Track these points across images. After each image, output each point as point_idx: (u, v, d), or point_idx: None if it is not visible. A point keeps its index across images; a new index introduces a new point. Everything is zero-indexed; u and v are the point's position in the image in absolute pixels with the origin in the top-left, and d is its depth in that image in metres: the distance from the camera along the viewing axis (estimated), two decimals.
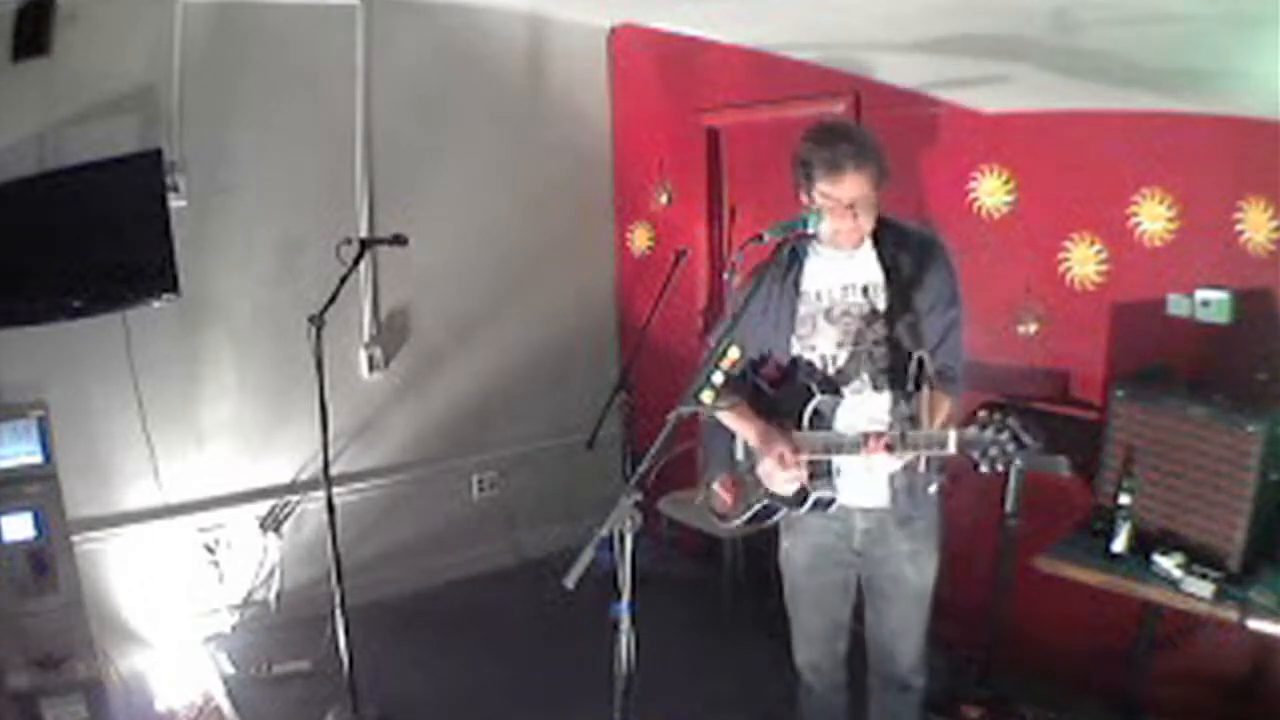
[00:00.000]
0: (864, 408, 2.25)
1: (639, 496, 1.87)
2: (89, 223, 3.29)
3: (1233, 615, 2.32)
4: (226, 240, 3.78)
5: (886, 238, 2.29)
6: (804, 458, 2.22)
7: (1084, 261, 3.09)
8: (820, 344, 2.32)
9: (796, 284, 2.35)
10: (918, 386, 2.12)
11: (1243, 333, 2.71)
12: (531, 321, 4.59)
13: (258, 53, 3.75)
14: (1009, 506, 2.98)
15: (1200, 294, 2.77)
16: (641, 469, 1.89)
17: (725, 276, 4.30)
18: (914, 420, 2.10)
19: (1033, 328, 3.21)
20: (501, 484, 4.62)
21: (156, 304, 3.50)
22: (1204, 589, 2.37)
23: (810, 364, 2.33)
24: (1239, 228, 2.72)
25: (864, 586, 2.47)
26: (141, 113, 3.54)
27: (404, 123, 4.13)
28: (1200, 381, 2.69)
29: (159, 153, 3.43)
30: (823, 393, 2.26)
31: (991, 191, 3.29)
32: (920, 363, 2.13)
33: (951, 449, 1.98)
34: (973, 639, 3.20)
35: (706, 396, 1.92)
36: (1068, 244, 3.11)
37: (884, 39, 2.96)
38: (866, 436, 2.10)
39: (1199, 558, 2.46)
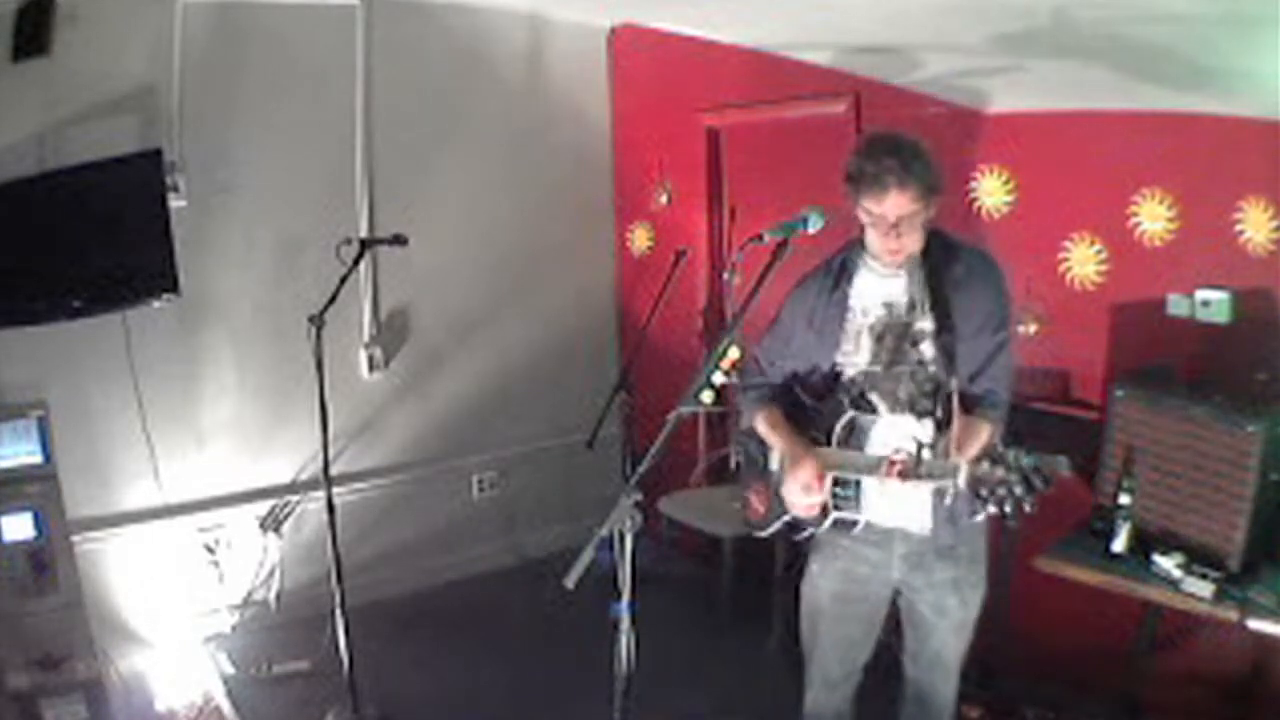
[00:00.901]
0: (901, 429, 2.16)
1: (639, 496, 1.86)
2: (89, 223, 3.29)
3: (1233, 615, 2.32)
4: (226, 240, 3.78)
5: (936, 254, 2.20)
6: (827, 482, 2.18)
7: (1084, 261, 3.09)
8: (862, 361, 2.25)
9: (845, 297, 2.27)
10: (948, 413, 2.05)
11: (1243, 333, 2.71)
12: (531, 321, 4.59)
13: (258, 53, 3.75)
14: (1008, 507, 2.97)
15: (1200, 294, 2.77)
16: (641, 469, 1.88)
17: (725, 276, 4.32)
18: (934, 448, 2.01)
19: (1033, 328, 3.21)
20: (501, 484, 4.62)
21: (156, 304, 3.50)
22: (1204, 589, 2.37)
23: (851, 380, 2.26)
24: (1239, 228, 2.72)
25: (903, 614, 2.38)
26: (141, 113, 3.54)
27: (404, 122, 4.13)
28: (1200, 381, 2.69)
29: (159, 153, 3.43)
30: (858, 410, 2.20)
31: (991, 191, 3.29)
32: (949, 391, 2.06)
33: (962, 484, 1.90)
34: (973, 639, 3.19)
35: (706, 396, 1.92)
36: (1068, 244, 3.11)
37: (884, 39, 2.96)
38: (883, 461, 2.04)
39: (1199, 558, 2.46)
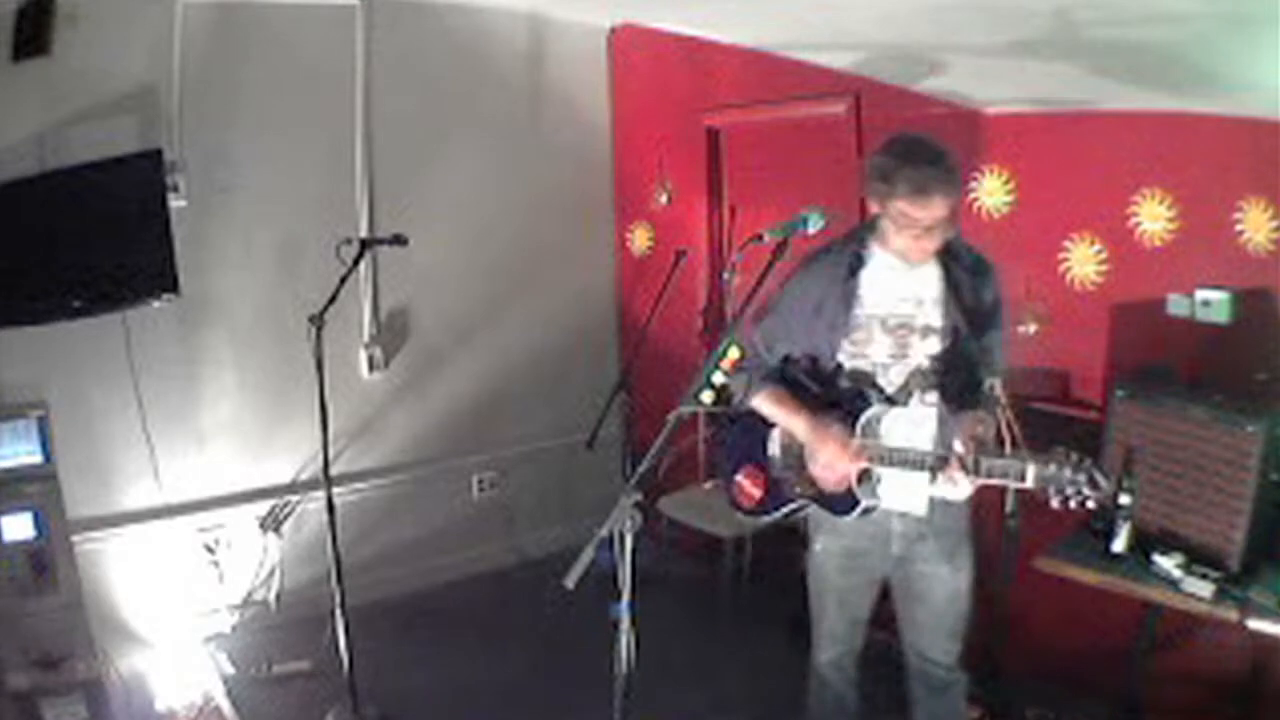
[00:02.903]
0: (910, 421, 2.21)
1: (639, 496, 1.87)
2: (89, 223, 3.29)
3: (1233, 615, 2.32)
4: (226, 240, 3.78)
5: (948, 253, 2.26)
6: (855, 445, 2.20)
7: (1084, 261, 3.09)
8: (873, 353, 2.29)
9: (856, 288, 2.30)
10: (970, 406, 2.13)
11: (1243, 333, 2.71)
12: (531, 321, 4.59)
13: (258, 53, 3.75)
14: (1009, 507, 2.97)
15: (1200, 294, 2.77)
16: (641, 469, 1.89)
17: (725, 276, 4.32)
18: (983, 445, 2.07)
19: (1033, 328, 3.21)
20: (501, 484, 4.62)
21: (156, 304, 3.50)
22: (1204, 589, 2.37)
23: (864, 372, 2.30)
24: (1239, 228, 2.72)
25: (897, 591, 2.45)
26: (141, 113, 3.54)
27: (404, 122, 4.13)
28: (1200, 381, 2.69)
29: (159, 153, 3.43)
30: (877, 402, 2.24)
31: (991, 191, 3.29)
32: (991, 389, 2.12)
33: (1029, 483, 1.98)
34: (973, 639, 3.19)
35: (706, 397, 1.92)
36: (1068, 244, 3.11)
37: (884, 39, 2.96)
38: (944, 458, 2.08)
39: (1199, 558, 2.47)
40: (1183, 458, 2.55)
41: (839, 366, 2.33)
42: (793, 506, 2.43)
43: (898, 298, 2.28)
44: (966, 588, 2.40)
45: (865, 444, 2.21)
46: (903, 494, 2.26)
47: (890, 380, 2.28)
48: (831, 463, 2.25)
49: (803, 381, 2.39)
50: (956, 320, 2.23)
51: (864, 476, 2.25)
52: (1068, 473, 1.92)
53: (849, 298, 2.29)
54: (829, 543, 2.45)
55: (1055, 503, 1.96)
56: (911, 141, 2.19)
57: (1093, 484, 1.91)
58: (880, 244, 2.28)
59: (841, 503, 2.30)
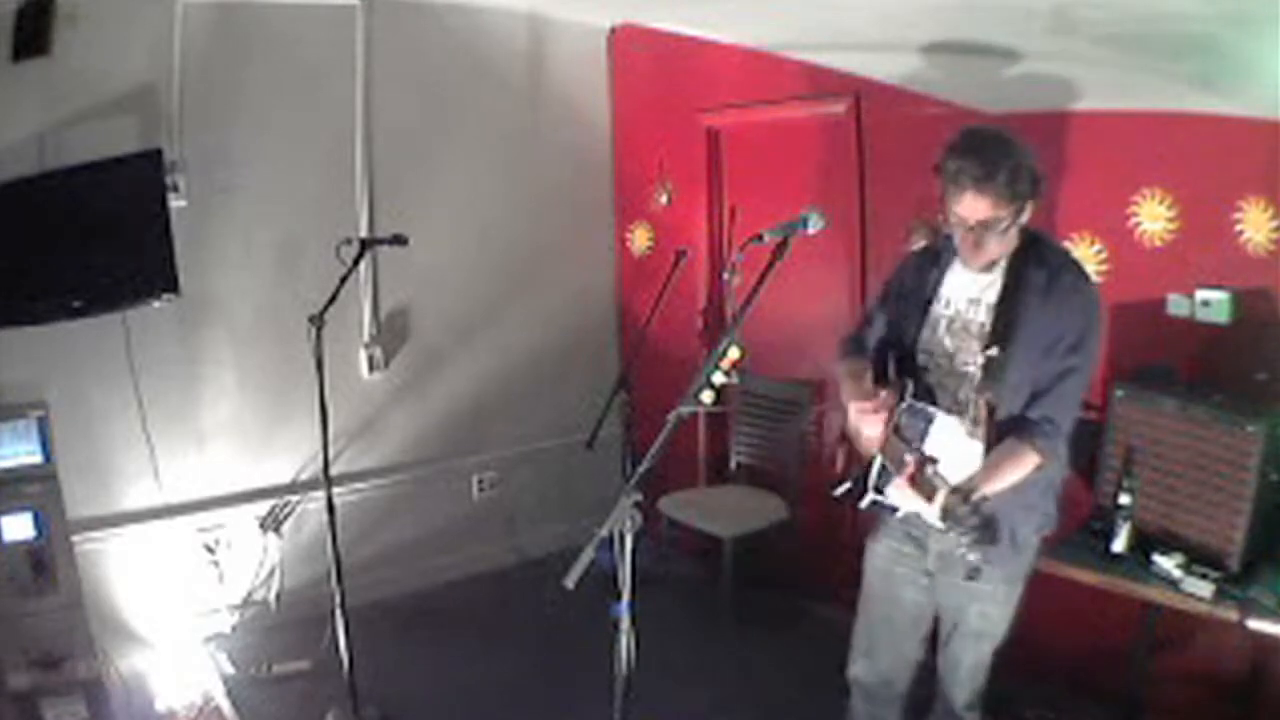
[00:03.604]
0: (947, 432, 2.13)
1: (639, 496, 1.86)
2: (89, 223, 3.29)
3: (1233, 615, 2.32)
4: (226, 240, 3.78)
5: (1027, 260, 2.11)
6: (883, 407, 2.12)
7: (1084, 261, 3.08)
8: (936, 351, 2.23)
9: (936, 284, 2.25)
10: (987, 431, 2.00)
11: (1243, 333, 2.71)
12: (532, 321, 4.59)
13: (258, 53, 3.75)
14: None
15: (1200, 294, 2.77)
16: (641, 469, 1.88)
17: (725, 276, 4.32)
18: (936, 464, 1.99)
19: None
20: (501, 484, 4.62)
21: (156, 304, 3.50)
22: (1204, 589, 2.37)
23: (924, 367, 2.25)
24: (1239, 228, 2.72)
25: (938, 612, 2.38)
26: (141, 113, 3.54)
27: (404, 123, 4.13)
28: (1200, 381, 2.69)
29: (159, 153, 3.43)
30: (916, 398, 2.16)
31: None
32: (988, 407, 2.01)
33: (936, 508, 1.92)
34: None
35: (706, 397, 1.92)
36: (1067, 244, 3.11)
37: (884, 39, 2.96)
38: (904, 460, 2.01)
39: (1199, 558, 2.46)
40: (1183, 458, 2.55)
41: (912, 359, 2.27)
42: (846, 487, 2.31)
43: (965, 299, 2.20)
44: (988, 637, 2.27)
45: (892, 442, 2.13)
46: (917, 505, 2.17)
47: (945, 384, 2.20)
48: (857, 422, 2.18)
49: (888, 364, 2.32)
50: (1004, 332, 2.06)
51: (883, 475, 2.18)
52: (965, 510, 1.85)
53: (926, 293, 2.25)
54: (877, 540, 2.41)
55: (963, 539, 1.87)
56: (967, 131, 2.09)
57: (980, 533, 1.84)
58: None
59: (856, 487, 2.24)
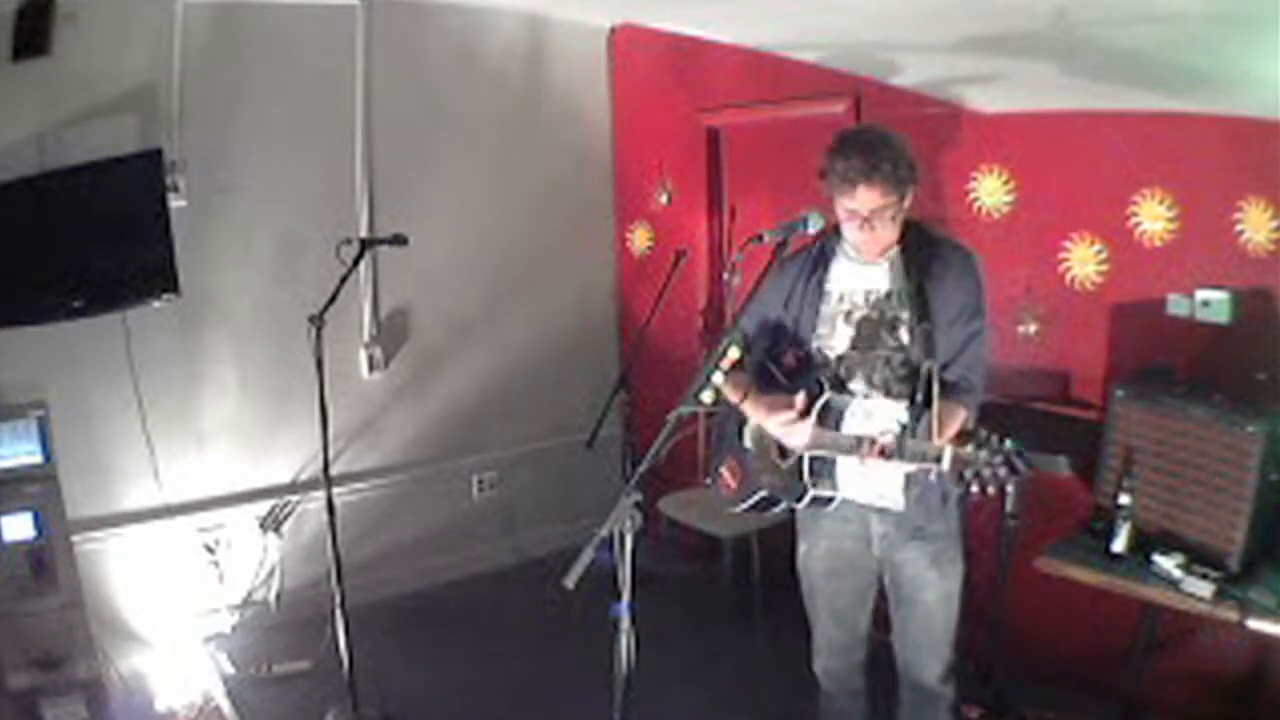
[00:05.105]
0: (876, 412, 2.22)
1: (639, 496, 1.87)
2: (89, 223, 3.29)
3: (1233, 615, 2.32)
4: (226, 240, 3.78)
5: (914, 245, 2.27)
6: (800, 398, 2.21)
7: (1084, 262, 3.09)
8: (838, 345, 2.32)
9: (821, 283, 2.35)
10: (927, 399, 2.08)
11: (1243, 333, 2.71)
12: (531, 321, 4.59)
13: (258, 53, 3.75)
14: (1009, 507, 2.98)
15: (1200, 294, 2.77)
16: (641, 469, 1.89)
17: (725, 276, 4.32)
18: (914, 432, 2.06)
19: (1033, 328, 3.21)
20: (501, 484, 4.62)
21: (156, 304, 3.50)
22: (1204, 589, 2.37)
23: (826, 362, 2.33)
24: (1239, 228, 2.72)
25: (887, 593, 2.43)
26: (141, 113, 3.53)
27: (404, 122, 4.13)
28: (1200, 381, 2.69)
29: (159, 153, 3.43)
30: (832, 390, 2.25)
31: (991, 191, 3.29)
32: (928, 375, 2.10)
33: (946, 466, 1.94)
34: (972, 639, 3.19)
35: (706, 396, 1.92)
36: (1068, 244, 3.12)
37: (883, 39, 2.96)
38: (862, 441, 2.08)
39: (1199, 558, 2.46)
40: (1183, 458, 2.55)
41: (809, 358, 2.37)
42: (761, 496, 2.43)
43: (861, 290, 2.31)
44: (955, 595, 2.36)
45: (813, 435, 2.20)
46: (868, 485, 2.25)
47: (852, 371, 2.29)
48: (788, 430, 2.24)
49: (775, 374, 2.43)
50: (919, 313, 2.20)
51: (816, 468, 2.24)
52: (984, 454, 1.87)
53: (815, 293, 2.35)
54: (812, 544, 2.47)
55: (974, 488, 1.89)
56: (843, 134, 2.25)
57: (1010, 467, 1.85)
58: (847, 241, 2.32)
59: (794, 491, 2.30)
